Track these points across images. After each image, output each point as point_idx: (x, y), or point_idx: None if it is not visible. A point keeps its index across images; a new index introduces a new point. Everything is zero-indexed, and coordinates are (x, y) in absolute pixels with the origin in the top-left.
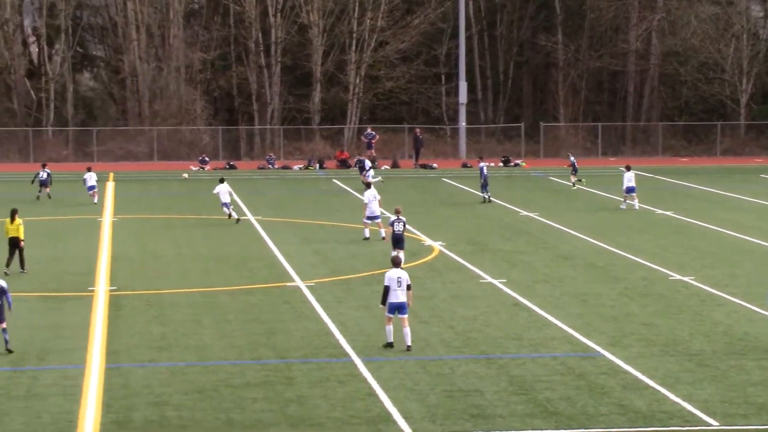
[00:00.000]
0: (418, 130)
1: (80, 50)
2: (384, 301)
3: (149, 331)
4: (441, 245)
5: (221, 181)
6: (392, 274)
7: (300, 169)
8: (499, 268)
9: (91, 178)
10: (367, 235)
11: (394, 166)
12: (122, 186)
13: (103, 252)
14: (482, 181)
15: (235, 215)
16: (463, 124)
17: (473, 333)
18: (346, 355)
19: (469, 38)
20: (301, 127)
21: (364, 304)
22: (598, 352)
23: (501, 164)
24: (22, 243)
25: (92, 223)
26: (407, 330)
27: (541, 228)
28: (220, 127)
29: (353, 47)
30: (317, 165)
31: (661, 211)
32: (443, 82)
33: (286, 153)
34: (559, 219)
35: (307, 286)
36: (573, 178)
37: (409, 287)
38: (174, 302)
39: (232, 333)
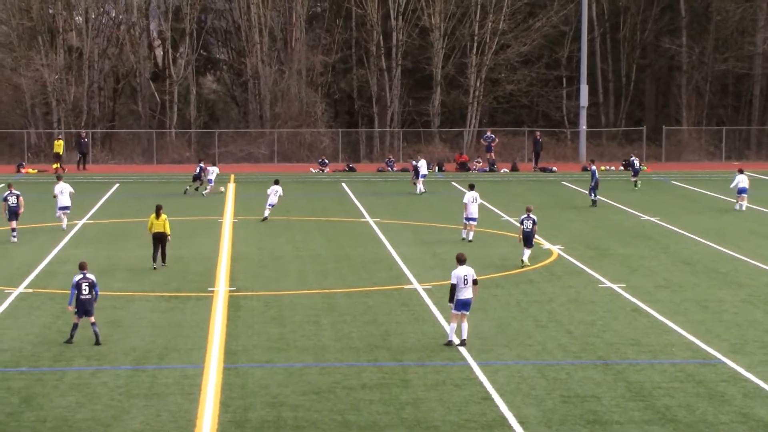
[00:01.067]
0: (538, 134)
1: (204, 53)
2: (452, 298)
3: (267, 331)
4: (560, 249)
5: (276, 182)
6: (459, 272)
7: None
8: (618, 272)
9: (213, 172)
10: (464, 235)
11: (514, 169)
12: (242, 187)
13: (223, 253)
14: (592, 183)
15: (266, 214)
16: (583, 127)
17: (591, 338)
18: (462, 358)
19: (591, 41)
20: (421, 129)
21: (480, 307)
22: (719, 359)
23: (622, 168)
24: (169, 238)
25: (214, 224)
26: (465, 325)
27: (662, 232)
28: (340, 130)
29: (474, 50)
30: (437, 167)
31: None
32: (564, 85)
33: (405, 155)
34: (680, 223)
35: (424, 289)
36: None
37: (475, 282)
38: (292, 303)
39: (350, 335)
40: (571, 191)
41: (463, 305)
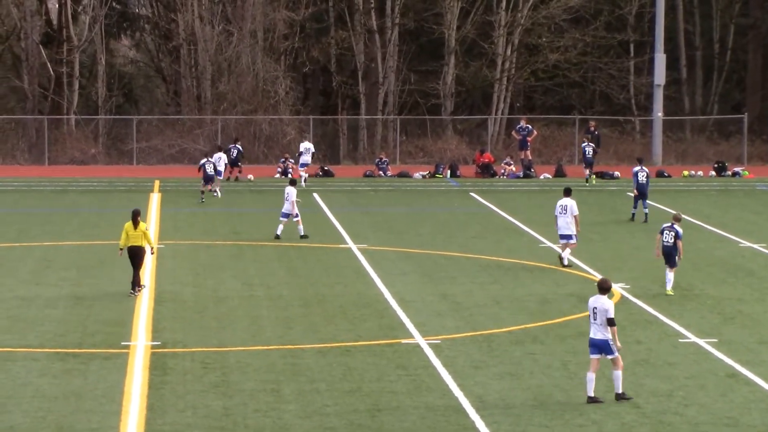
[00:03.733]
0: (593, 124)
1: (117, 7)
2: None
3: (206, 404)
4: (623, 288)
5: (291, 182)
6: (590, 301)
7: (424, 177)
8: (707, 321)
9: (219, 160)
10: (565, 260)
11: (559, 173)
12: (171, 200)
13: (143, 292)
14: (635, 192)
15: (278, 232)
16: (659, 114)
17: (668, 415)
18: None
19: None
20: (427, 117)
21: (511, 371)
22: None
23: (713, 173)
24: (153, 250)
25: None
26: (617, 373)
27: None
28: (311, 117)
29: (503, 4)
30: (448, 172)
31: None
32: (632, 54)
33: (405, 154)
34: None
35: (430, 344)
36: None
37: (611, 322)
38: (241, 365)
39: (323, 410)
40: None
41: (593, 346)
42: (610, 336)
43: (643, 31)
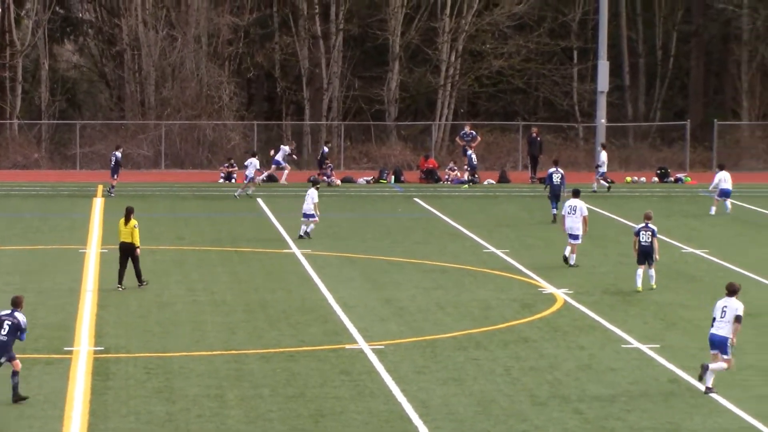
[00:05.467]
0: (535, 130)
1: (60, 11)
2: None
3: (149, 410)
4: (566, 293)
5: (314, 183)
6: (719, 302)
7: (368, 182)
8: (650, 327)
9: (251, 165)
10: (571, 260)
11: (502, 179)
12: (115, 204)
13: (86, 296)
14: (548, 194)
15: (303, 231)
16: (602, 121)
17: (611, 421)
18: None
19: None
20: (371, 123)
21: (454, 376)
22: None
23: (655, 179)
24: (138, 251)
25: (73, 255)
26: (716, 365)
27: (711, 271)
28: (255, 123)
29: (447, 10)
30: (393, 177)
31: None
32: (575, 61)
33: (349, 159)
34: (738, 258)
35: (374, 350)
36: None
37: (737, 319)
38: (184, 370)
39: (267, 415)
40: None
41: (711, 343)
42: (730, 335)
43: (587, 38)
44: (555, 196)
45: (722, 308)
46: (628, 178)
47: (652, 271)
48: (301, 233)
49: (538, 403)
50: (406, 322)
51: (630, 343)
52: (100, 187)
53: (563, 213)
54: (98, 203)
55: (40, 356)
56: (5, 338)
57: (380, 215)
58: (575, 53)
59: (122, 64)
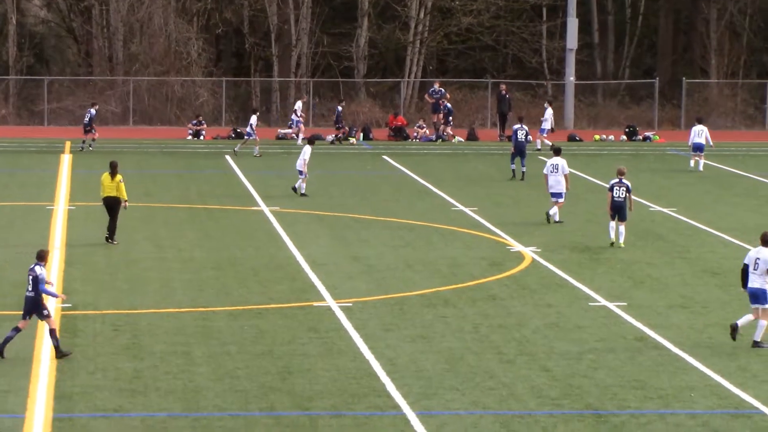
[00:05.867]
0: (504, 88)
1: None
2: (744, 284)
3: (117, 367)
4: (534, 251)
5: (309, 141)
6: (752, 253)
7: (335, 139)
8: (617, 285)
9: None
10: (555, 216)
11: (471, 137)
12: (82, 160)
13: (54, 254)
14: (512, 149)
15: (300, 189)
16: (571, 78)
17: (577, 378)
18: (396, 406)
19: None
20: (340, 80)
21: (422, 334)
22: (758, 409)
23: (624, 137)
24: (125, 205)
25: (40, 212)
26: (763, 323)
27: (678, 229)
28: (224, 79)
29: None
30: (361, 135)
31: None
32: (544, 18)
33: (317, 117)
34: (705, 217)
35: (342, 307)
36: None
37: None
38: (152, 327)
39: (234, 372)
40: None
41: (751, 296)
42: (765, 286)
43: None
44: (519, 153)
45: (755, 260)
46: (597, 136)
47: (622, 228)
48: (296, 187)
49: (506, 361)
50: (374, 280)
51: (597, 301)
52: (68, 144)
53: (545, 171)
54: (66, 159)
55: (9, 313)
56: (32, 293)
57: (349, 172)
58: (544, 10)
59: (90, 19)
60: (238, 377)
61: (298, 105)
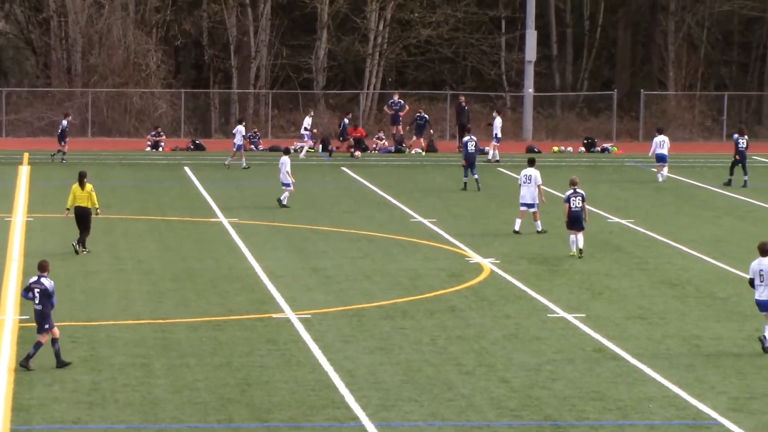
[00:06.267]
0: (463, 99)
1: None
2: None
3: (75, 379)
4: (493, 263)
5: (285, 151)
6: (755, 265)
7: (295, 151)
8: (576, 297)
9: (238, 133)
10: (517, 227)
11: (430, 149)
12: (41, 172)
13: (12, 264)
14: (464, 161)
15: (283, 200)
16: (530, 90)
17: (536, 389)
18: (354, 417)
19: None
20: (299, 91)
21: (381, 345)
22: (715, 420)
23: (582, 149)
24: (98, 212)
25: None
26: None
27: (636, 241)
28: (183, 91)
29: None
30: (320, 146)
31: None
32: (503, 30)
33: (277, 128)
34: (664, 228)
35: (301, 319)
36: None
37: None
38: (110, 339)
39: (194, 384)
40: (512, 181)
41: (762, 306)
42: None
43: (515, 7)
44: (470, 164)
45: (759, 271)
46: (555, 148)
47: (581, 236)
48: (284, 202)
49: (465, 372)
50: (333, 291)
51: (556, 313)
52: (26, 155)
53: (519, 182)
54: (24, 171)
55: None
56: (40, 306)
57: (307, 184)
58: (503, 22)
59: (49, 30)
60: (197, 389)
61: (307, 121)
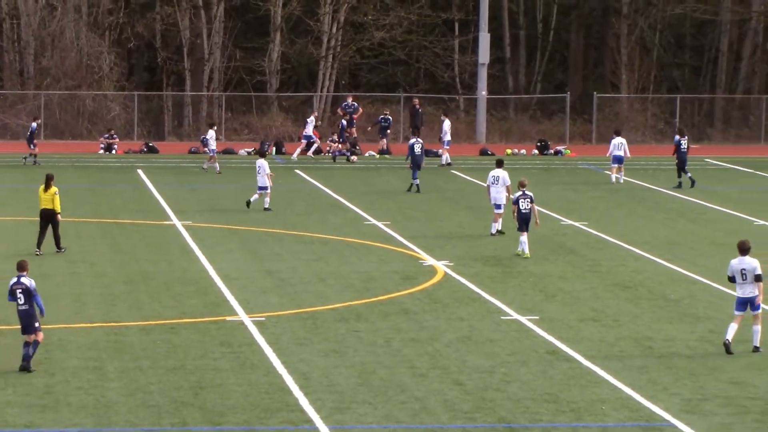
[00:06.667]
0: (417, 101)
1: None
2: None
3: (28, 382)
4: (446, 265)
5: (260, 154)
6: (735, 264)
7: (249, 154)
8: (529, 299)
9: (211, 138)
10: (493, 230)
11: (383, 151)
12: (1, 175)
13: None
14: (409, 163)
15: (253, 200)
16: (483, 93)
17: (490, 392)
18: (309, 421)
19: None
20: (252, 94)
21: (335, 348)
22: (668, 421)
23: (536, 151)
24: (59, 216)
25: None
26: (757, 328)
27: (589, 243)
28: (136, 93)
29: None
30: (274, 149)
31: (763, 222)
32: (457, 33)
33: (230, 131)
34: (617, 231)
35: (255, 322)
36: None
37: (758, 278)
38: (63, 342)
39: (147, 387)
40: (465, 184)
41: (743, 304)
42: (757, 292)
43: (468, 9)
44: (416, 166)
45: (741, 270)
46: (509, 150)
47: (526, 239)
48: (266, 206)
49: (419, 375)
50: (287, 294)
51: (509, 315)
52: None
53: (487, 183)
54: None
55: None
56: (26, 306)
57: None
58: (456, 25)
59: (1, 33)
60: (151, 392)
61: (311, 120)
